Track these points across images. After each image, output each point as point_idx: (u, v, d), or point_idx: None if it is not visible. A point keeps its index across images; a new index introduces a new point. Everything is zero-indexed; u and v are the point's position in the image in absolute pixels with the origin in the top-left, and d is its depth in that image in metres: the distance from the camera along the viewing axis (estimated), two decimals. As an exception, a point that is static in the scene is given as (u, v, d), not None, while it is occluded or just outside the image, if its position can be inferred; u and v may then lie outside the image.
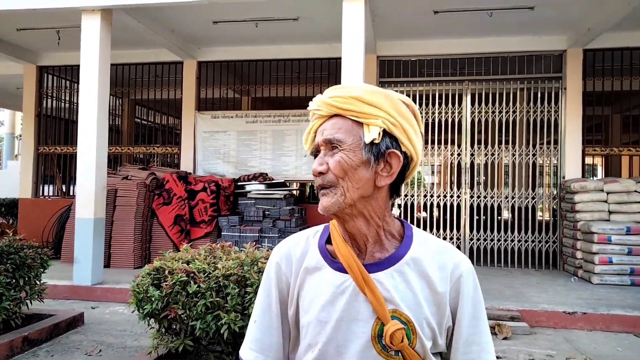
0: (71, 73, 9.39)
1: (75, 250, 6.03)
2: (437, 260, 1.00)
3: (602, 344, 4.57)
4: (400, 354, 0.94)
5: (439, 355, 1.00)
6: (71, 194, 9.57)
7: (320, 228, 1.11)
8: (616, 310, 5.15)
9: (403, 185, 1.06)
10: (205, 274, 3.09)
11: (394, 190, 1.05)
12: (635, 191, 6.85)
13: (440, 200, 8.15)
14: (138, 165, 8.72)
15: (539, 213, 8.23)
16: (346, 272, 0.98)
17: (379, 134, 0.97)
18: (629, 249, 6.45)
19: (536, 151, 7.95)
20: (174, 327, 3.18)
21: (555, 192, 8.01)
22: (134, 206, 7.23)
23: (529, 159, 7.96)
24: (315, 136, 1.05)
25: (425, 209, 8.21)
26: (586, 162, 8.42)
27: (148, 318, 3.18)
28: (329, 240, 1.06)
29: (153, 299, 3.06)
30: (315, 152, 1.04)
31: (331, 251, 1.03)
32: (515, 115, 7.91)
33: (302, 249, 1.07)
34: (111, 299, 5.83)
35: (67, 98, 9.67)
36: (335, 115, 1.01)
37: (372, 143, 0.97)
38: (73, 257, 6.08)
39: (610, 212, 6.92)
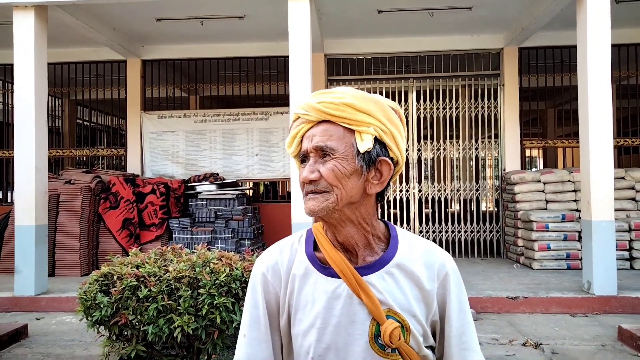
0: (4, 72, 8.89)
1: (16, 259, 5.73)
2: (423, 259, 1.04)
3: (542, 325, 4.87)
4: (397, 351, 0.98)
5: (430, 349, 1.05)
6: (9, 200, 9.07)
7: (302, 233, 1.10)
8: (554, 293, 5.50)
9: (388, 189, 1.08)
10: (156, 278, 3.05)
11: (379, 194, 1.05)
12: (569, 181, 7.31)
13: (390, 194, 8.36)
14: (81, 169, 8.38)
15: (483, 204, 8.62)
16: (338, 277, 0.99)
17: (372, 141, 0.97)
18: (565, 235, 6.88)
19: (479, 145, 8.32)
20: (125, 333, 3.12)
21: (497, 184, 8.41)
22: (78, 211, 6.95)
23: (472, 152, 8.32)
24: (301, 141, 1.02)
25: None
26: (527, 155, 8.88)
27: (97, 326, 3.10)
28: (315, 247, 1.06)
29: (102, 306, 2.99)
30: (303, 158, 1.02)
31: (320, 258, 1.03)
32: (459, 111, 8.24)
33: (289, 257, 1.05)
34: (57, 308, 5.59)
35: (0, 99, 9.15)
36: (325, 121, 0.99)
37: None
38: (13, 266, 5.79)
39: (547, 201, 7.35)
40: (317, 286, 1.01)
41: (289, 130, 1.06)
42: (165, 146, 8.64)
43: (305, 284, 1.02)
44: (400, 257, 1.03)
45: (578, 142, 5.81)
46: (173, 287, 3.02)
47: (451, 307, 1.04)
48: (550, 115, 11.36)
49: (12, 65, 5.95)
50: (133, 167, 8.58)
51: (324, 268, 1.02)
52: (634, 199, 7.24)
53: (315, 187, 0.98)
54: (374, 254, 1.03)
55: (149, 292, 2.97)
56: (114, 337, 3.14)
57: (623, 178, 7.25)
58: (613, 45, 5.61)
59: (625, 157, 9.73)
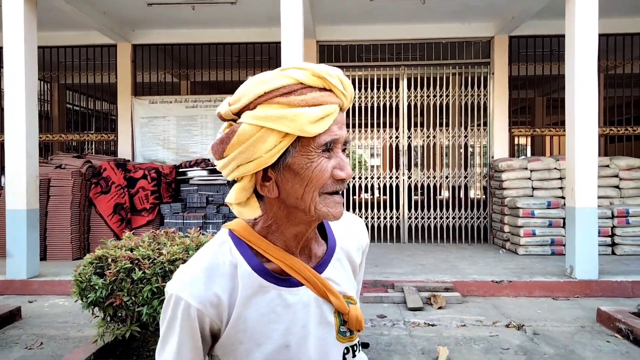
0: (-7, 56, 8.77)
1: (8, 243, 5.76)
2: (349, 234, 1.04)
3: (525, 308, 5.02)
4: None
5: None
6: (0, 184, 9.04)
7: (227, 244, 0.94)
8: (537, 277, 5.65)
9: None
10: (150, 260, 3.11)
11: None
12: (555, 168, 7.45)
13: (380, 181, 8.46)
14: (72, 153, 8.36)
15: (471, 191, 8.75)
16: (301, 285, 0.92)
17: None
18: (550, 222, 7.04)
19: (468, 133, 8.42)
20: (120, 314, 3.19)
21: (485, 171, 8.54)
22: (69, 196, 6.97)
23: (461, 140, 8.42)
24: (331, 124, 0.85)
25: (366, 191, 8.51)
26: (515, 142, 9.00)
27: (92, 307, 3.16)
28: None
29: (97, 287, 3.06)
30: (327, 146, 0.85)
31: (273, 269, 0.91)
32: (449, 99, 8.31)
33: (227, 279, 0.89)
34: (50, 291, 5.65)
35: (-11, 83, 9.05)
36: None
37: None
38: (5, 250, 5.82)
39: (533, 189, 7.49)
40: (278, 301, 0.90)
41: (305, 101, 0.83)
42: (156, 131, 8.64)
43: (261, 302, 0.89)
44: (340, 240, 1.02)
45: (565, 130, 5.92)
46: (167, 269, 3.08)
47: (362, 264, 1.10)
48: (539, 103, 11.48)
49: (1, 49, 5.90)
50: (124, 152, 8.57)
51: (283, 280, 0.91)
52: (617, 187, 7.41)
53: (344, 186, 0.90)
54: (320, 245, 0.99)
55: (143, 274, 3.03)
56: (109, 318, 3.21)
57: (607, 166, 7.40)
58: (601, 35, 5.70)
59: (611, 146, 9.90)
